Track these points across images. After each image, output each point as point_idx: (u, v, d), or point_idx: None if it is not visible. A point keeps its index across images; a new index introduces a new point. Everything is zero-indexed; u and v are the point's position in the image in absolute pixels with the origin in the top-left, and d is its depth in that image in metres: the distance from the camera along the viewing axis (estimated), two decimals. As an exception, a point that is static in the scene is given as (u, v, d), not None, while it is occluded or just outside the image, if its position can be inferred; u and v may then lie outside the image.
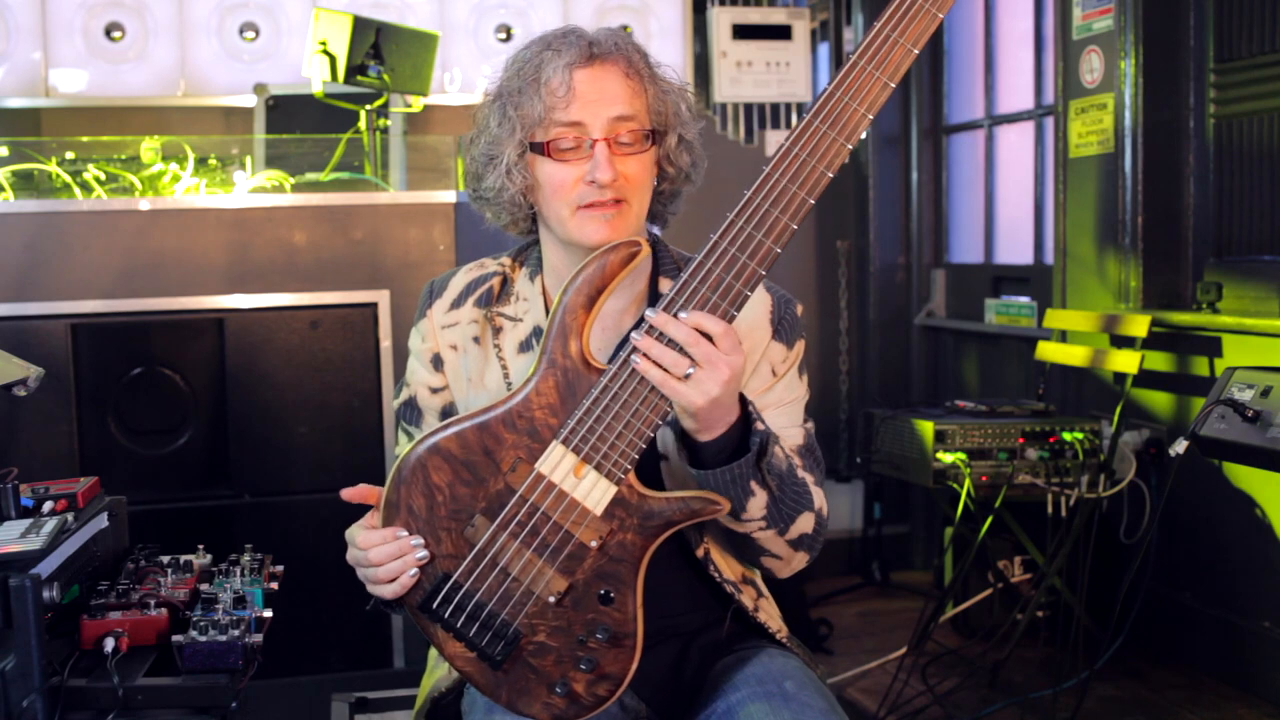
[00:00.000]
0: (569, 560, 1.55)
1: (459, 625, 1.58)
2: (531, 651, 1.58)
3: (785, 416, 1.77)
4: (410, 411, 1.84)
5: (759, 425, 1.58)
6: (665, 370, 1.50)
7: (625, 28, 4.90)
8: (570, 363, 1.55)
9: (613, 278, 1.55)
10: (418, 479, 1.57)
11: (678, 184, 1.77)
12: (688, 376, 1.49)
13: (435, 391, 1.82)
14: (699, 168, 1.77)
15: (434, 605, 1.58)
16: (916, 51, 1.49)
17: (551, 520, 1.55)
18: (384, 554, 1.56)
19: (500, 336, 1.77)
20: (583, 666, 1.56)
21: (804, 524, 1.68)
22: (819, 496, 1.72)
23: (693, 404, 1.50)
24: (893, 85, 1.49)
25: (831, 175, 1.51)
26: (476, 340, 1.78)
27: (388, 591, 1.57)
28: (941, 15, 1.48)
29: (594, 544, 1.54)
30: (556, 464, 1.54)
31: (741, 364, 1.51)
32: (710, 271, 1.50)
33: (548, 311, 1.76)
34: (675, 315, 1.50)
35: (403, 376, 1.88)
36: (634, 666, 1.56)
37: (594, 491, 1.54)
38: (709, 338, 1.49)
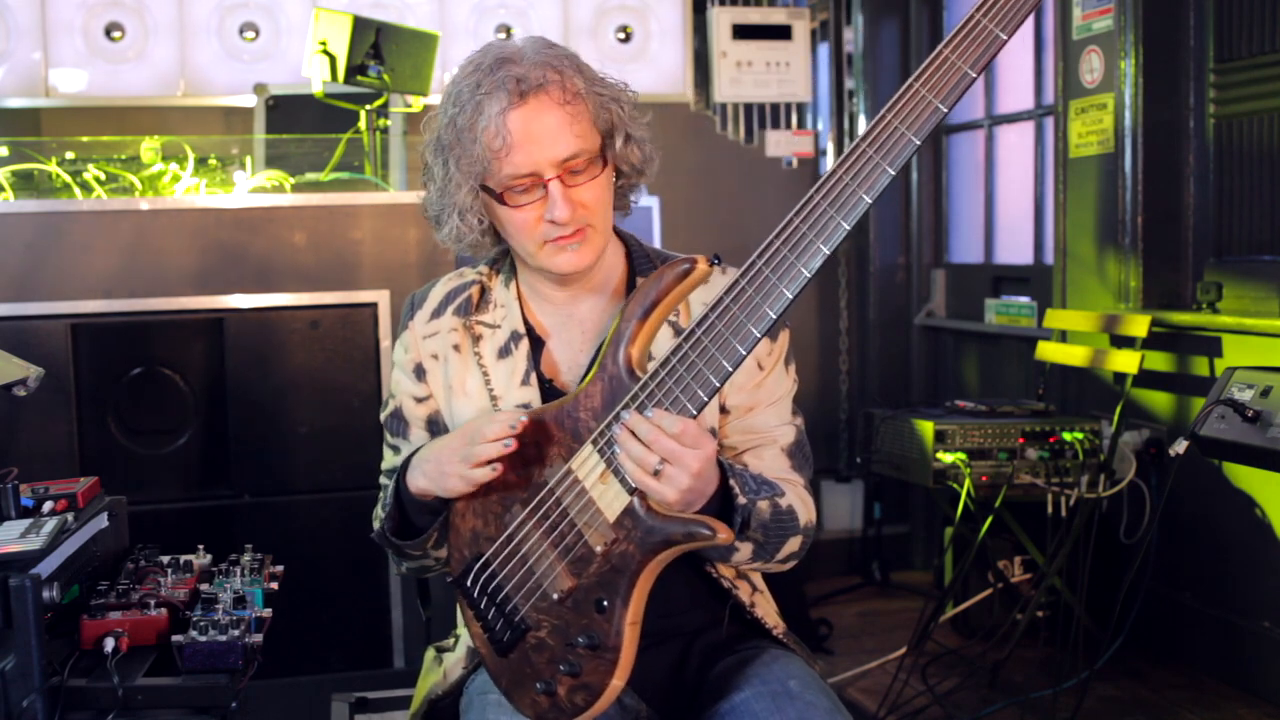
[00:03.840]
0: (577, 562, 1.57)
1: (481, 605, 1.64)
2: (533, 646, 1.61)
3: (775, 416, 1.77)
4: (396, 423, 1.85)
5: (740, 500, 1.59)
6: (636, 464, 1.50)
7: (625, 28, 4.90)
8: (616, 369, 1.56)
9: (668, 291, 1.55)
10: None
11: (633, 179, 1.77)
12: (658, 473, 1.49)
13: (420, 401, 1.83)
14: (652, 161, 1.76)
15: (466, 581, 1.65)
16: (975, 75, 1.43)
17: (569, 518, 1.58)
18: (494, 428, 1.59)
19: (480, 344, 1.78)
20: (565, 669, 1.58)
21: (791, 546, 1.71)
22: (806, 509, 1.73)
23: (665, 498, 1.51)
24: (945, 109, 1.43)
25: (869, 200, 1.45)
26: (456, 348, 1.78)
27: (480, 475, 1.59)
28: (1005, 38, 1.41)
29: (599, 549, 1.55)
30: (586, 465, 1.57)
31: (711, 451, 1.51)
32: (743, 291, 1.49)
33: (524, 316, 1.78)
34: (642, 413, 1.50)
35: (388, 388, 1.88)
36: (612, 682, 1.56)
37: (614, 498, 1.55)
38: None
